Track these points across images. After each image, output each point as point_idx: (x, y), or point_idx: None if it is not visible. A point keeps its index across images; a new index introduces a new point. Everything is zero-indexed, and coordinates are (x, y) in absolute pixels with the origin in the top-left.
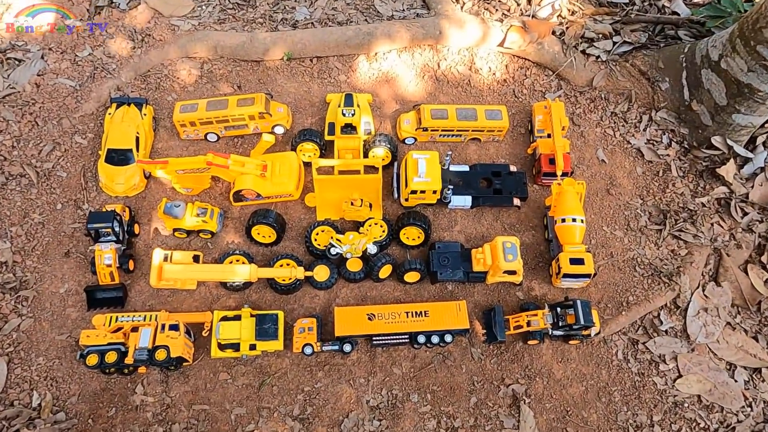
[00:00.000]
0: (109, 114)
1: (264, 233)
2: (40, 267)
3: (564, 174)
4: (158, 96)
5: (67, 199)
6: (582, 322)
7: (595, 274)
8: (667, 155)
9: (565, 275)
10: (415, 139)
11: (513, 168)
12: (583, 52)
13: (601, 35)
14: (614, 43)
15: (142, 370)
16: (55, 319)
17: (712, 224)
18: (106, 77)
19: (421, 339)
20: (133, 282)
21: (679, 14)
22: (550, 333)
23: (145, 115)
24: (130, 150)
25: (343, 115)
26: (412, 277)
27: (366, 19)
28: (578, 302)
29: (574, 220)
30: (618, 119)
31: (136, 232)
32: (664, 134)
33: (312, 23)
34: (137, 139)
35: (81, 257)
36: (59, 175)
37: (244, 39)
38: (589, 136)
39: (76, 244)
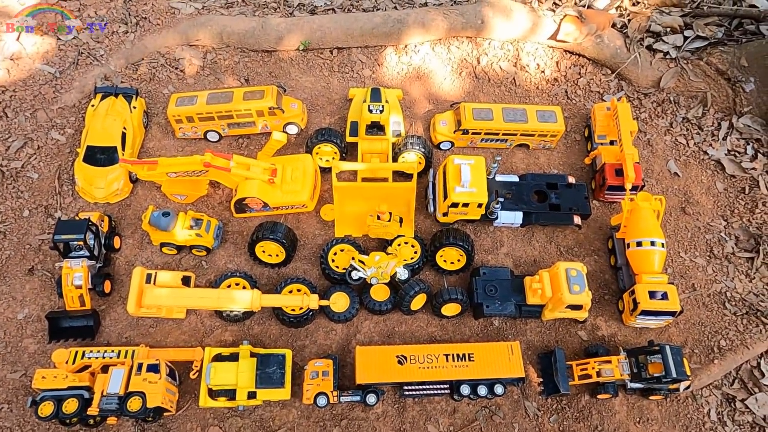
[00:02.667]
0: (92, 106)
1: (270, 251)
2: None
3: (634, 188)
4: (152, 88)
5: (36, 204)
6: (673, 374)
7: (681, 312)
8: (754, 169)
9: (644, 312)
10: (452, 144)
11: (572, 179)
12: (649, 47)
13: (669, 29)
14: (686, 38)
15: (112, 420)
16: (9, 353)
17: None
18: (92, 64)
19: (465, 390)
20: (109, 308)
21: (758, 7)
22: (627, 386)
23: (134, 108)
24: (115, 148)
25: (370, 111)
26: (451, 309)
27: (396, 6)
28: (667, 348)
29: (652, 243)
30: (691, 126)
31: (116, 246)
32: (749, 144)
33: (333, 9)
34: (123, 135)
35: (47, 276)
36: (29, 177)
37: (254, 25)
38: (657, 144)
39: (43, 259)
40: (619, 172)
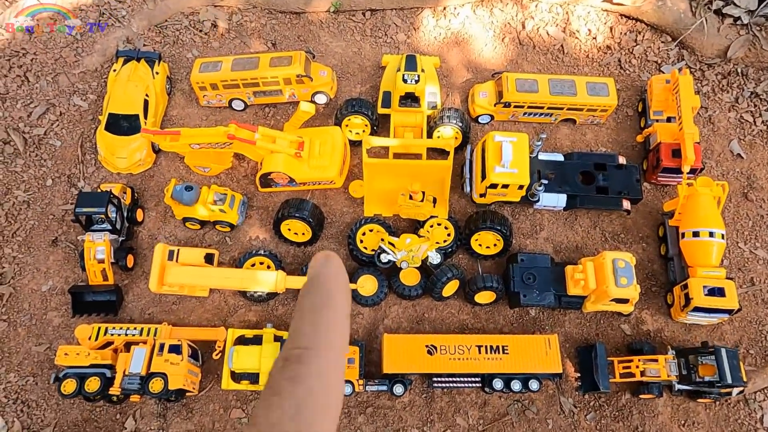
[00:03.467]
0: (114, 71)
1: (296, 229)
2: (20, 257)
3: (692, 171)
4: (176, 52)
5: (59, 173)
6: (728, 380)
7: (739, 310)
8: None
9: (696, 309)
10: (492, 117)
11: (622, 159)
12: (718, 12)
13: None
14: (761, 1)
15: (135, 398)
16: (34, 325)
17: None
18: (114, 26)
19: (498, 384)
20: (132, 283)
21: None
22: (674, 387)
23: (157, 73)
24: (137, 116)
25: (404, 81)
26: (485, 297)
27: None
28: (723, 351)
29: (711, 234)
30: (760, 102)
31: (139, 219)
32: None
33: None
34: (146, 103)
35: (71, 247)
36: (51, 144)
37: None
38: (719, 122)
39: (67, 230)
40: (677, 152)
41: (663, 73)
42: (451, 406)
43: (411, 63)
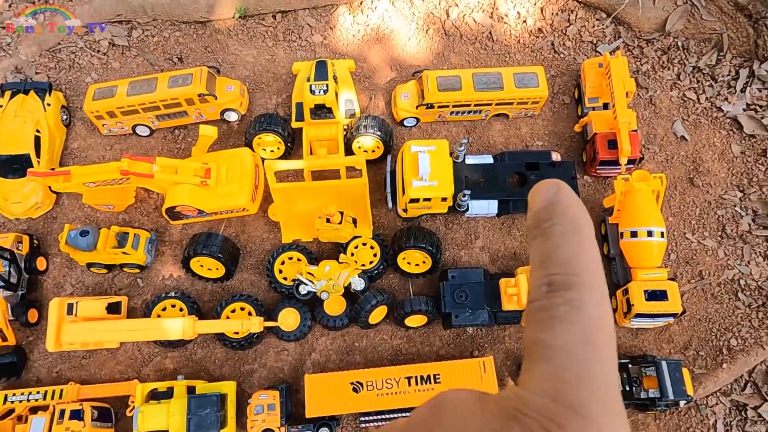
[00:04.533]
0: (0, 107)
1: (209, 265)
2: None
3: (631, 162)
4: (73, 77)
5: None
6: (670, 395)
7: (683, 313)
8: None
9: (638, 315)
10: (418, 120)
11: (556, 156)
12: None
13: None
14: None
15: None
16: None
17: None
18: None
19: None
20: (37, 339)
21: None
22: None
23: (49, 105)
24: (28, 156)
25: (312, 92)
26: (416, 321)
27: None
28: (663, 365)
29: (650, 233)
30: (703, 77)
31: (42, 268)
32: None
33: None
34: (38, 139)
35: None
36: None
37: None
38: (661, 103)
39: None
40: (613, 143)
41: (599, 54)
42: None
43: (321, 70)
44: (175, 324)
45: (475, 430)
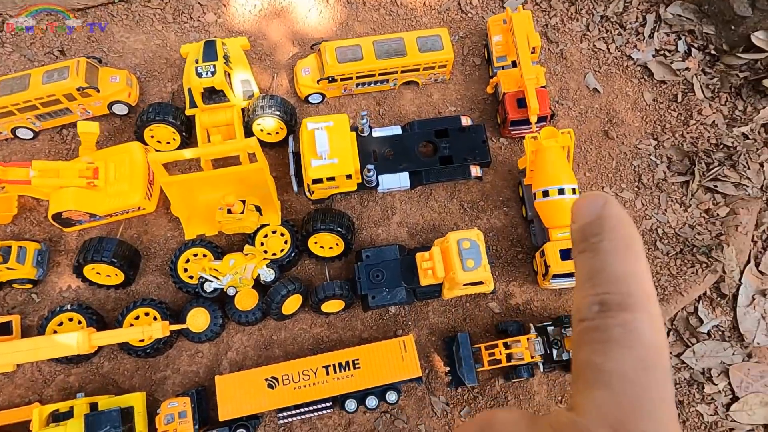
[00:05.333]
0: None
1: (105, 272)
2: None
3: (542, 119)
4: None
5: None
6: None
7: None
8: (687, 69)
9: (556, 275)
10: (323, 96)
11: (466, 120)
12: None
13: None
14: None
15: None
16: None
17: (761, 164)
18: None
19: (351, 405)
20: None
21: None
22: (541, 368)
23: None
24: None
25: (199, 75)
26: (332, 306)
27: None
28: None
29: (561, 191)
30: (612, 26)
31: None
32: (680, 38)
33: None
34: None
35: None
36: None
37: None
38: (572, 56)
39: None
40: (522, 101)
41: (505, 8)
42: None
43: (210, 51)
44: (68, 339)
45: None
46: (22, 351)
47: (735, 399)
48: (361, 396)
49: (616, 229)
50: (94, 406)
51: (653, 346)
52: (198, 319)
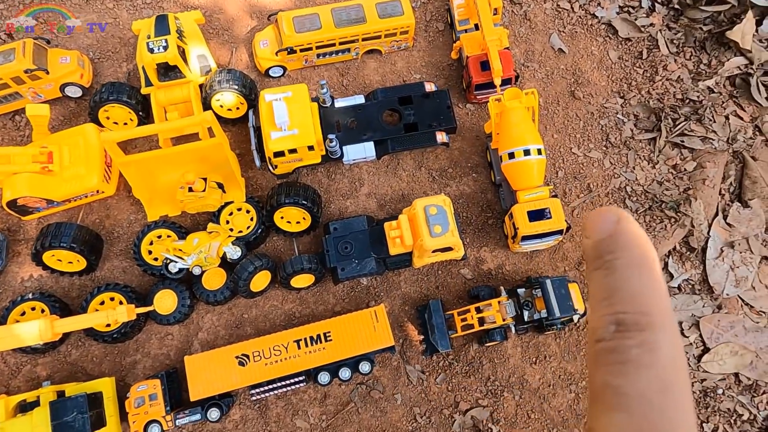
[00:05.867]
0: None
1: (66, 258)
2: None
3: (506, 81)
4: None
5: None
6: (556, 313)
7: (569, 228)
8: (651, 25)
9: (525, 237)
10: (284, 69)
11: (430, 86)
12: None
13: None
14: None
15: None
16: None
17: (726, 117)
18: None
19: (324, 378)
20: None
21: None
22: (513, 330)
23: None
24: None
25: (150, 51)
26: (303, 281)
27: None
28: (547, 283)
29: (527, 152)
30: None
31: None
32: None
33: None
34: None
35: None
36: None
37: None
38: (536, 17)
39: None
40: (486, 65)
41: None
42: (288, 410)
43: (162, 26)
44: (29, 327)
45: None
46: None
47: (706, 350)
48: (334, 368)
49: (631, 246)
50: (61, 394)
51: (672, 366)
52: (165, 301)
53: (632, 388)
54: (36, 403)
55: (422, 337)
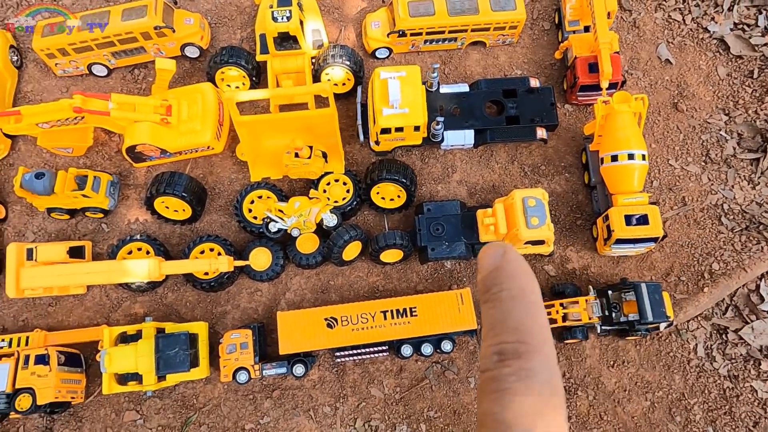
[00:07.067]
0: None
1: (174, 206)
2: None
3: (612, 86)
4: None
5: None
6: (649, 317)
7: (664, 237)
8: (765, 45)
9: (619, 240)
10: (390, 51)
11: (534, 82)
12: None
13: None
14: None
15: (14, 415)
16: None
17: None
18: None
19: (407, 351)
20: (0, 288)
21: None
22: (598, 330)
23: None
24: None
25: (274, 19)
26: (392, 256)
27: None
28: (642, 287)
29: (631, 156)
30: None
31: (1, 216)
32: (761, 13)
33: None
34: None
35: None
36: None
37: None
38: (645, 25)
39: None
40: (594, 66)
41: None
42: (365, 378)
43: None
44: (140, 265)
45: None
46: (95, 273)
47: None
48: (416, 343)
49: (513, 278)
50: (160, 331)
51: (547, 387)
52: (260, 258)
53: (509, 416)
54: (136, 336)
55: None
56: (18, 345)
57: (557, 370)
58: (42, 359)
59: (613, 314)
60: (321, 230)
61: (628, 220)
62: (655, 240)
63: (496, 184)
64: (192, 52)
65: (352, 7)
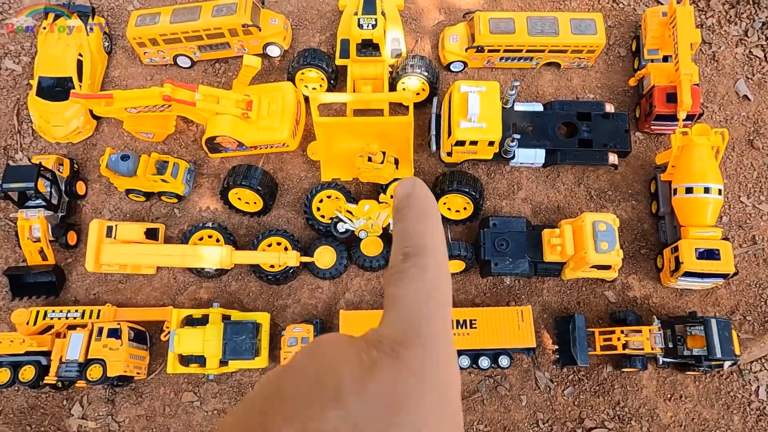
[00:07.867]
0: (44, 28)
1: (246, 198)
2: None
3: (690, 117)
4: (115, 4)
5: None
6: (718, 354)
7: (735, 274)
8: None
9: (687, 273)
10: (465, 65)
11: (610, 107)
12: None
13: None
14: None
15: (81, 383)
16: None
17: None
18: None
19: (464, 362)
20: (75, 261)
21: None
22: (659, 361)
23: (92, 30)
24: (70, 79)
25: (360, 26)
26: (454, 266)
27: None
28: (713, 322)
29: (706, 190)
30: None
31: (81, 192)
32: None
33: None
34: (80, 63)
35: (10, 226)
36: None
37: None
38: (725, 60)
39: (5, 207)
40: (672, 96)
41: (661, 4)
42: None
43: (369, 5)
44: (213, 252)
45: (346, 357)
46: (171, 255)
47: None
48: (473, 355)
49: (418, 201)
50: (225, 318)
51: (435, 280)
52: (325, 256)
53: (404, 293)
54: (201, 320)
55: (556, 347)
56: (90, 317)
57: (448, 275)
58: (114, 333)
59: (678, 347)
60: (386, 235)
61: (699, 253)
62: (724, 276)
63: (561, 205)
64: (273, 52)
65: (431, 19)
